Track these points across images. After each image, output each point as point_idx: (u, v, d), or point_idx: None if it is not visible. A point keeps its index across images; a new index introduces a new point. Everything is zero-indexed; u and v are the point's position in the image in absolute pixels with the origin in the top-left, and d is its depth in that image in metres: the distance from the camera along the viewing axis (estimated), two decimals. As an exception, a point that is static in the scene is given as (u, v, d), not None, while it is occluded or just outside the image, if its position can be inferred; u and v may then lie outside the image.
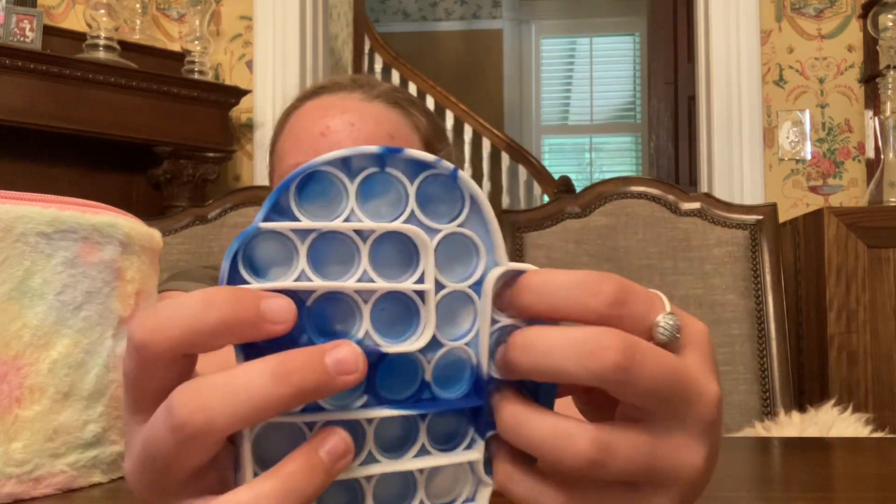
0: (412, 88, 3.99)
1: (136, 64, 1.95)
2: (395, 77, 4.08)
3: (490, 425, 0.27)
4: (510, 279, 0.27)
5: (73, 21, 2.14)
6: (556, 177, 4.01)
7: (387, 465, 0.26)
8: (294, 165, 0.72)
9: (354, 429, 0.26)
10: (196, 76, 2.06)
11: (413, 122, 0.76)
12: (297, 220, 0.25)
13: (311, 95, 0.77)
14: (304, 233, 0.25)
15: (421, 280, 0.26)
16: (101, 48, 1.91)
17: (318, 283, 0.25)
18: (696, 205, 1.16)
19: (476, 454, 0.28)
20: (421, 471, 0.27)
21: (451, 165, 0.26)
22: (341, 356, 0.23)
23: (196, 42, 2.10)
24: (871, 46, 2.06)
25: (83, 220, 0.49)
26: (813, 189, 2.14)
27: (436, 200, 0.27)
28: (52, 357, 0.47)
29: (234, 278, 0.24)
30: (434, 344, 0.26)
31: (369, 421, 0.26)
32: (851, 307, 1.57)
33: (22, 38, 1.81)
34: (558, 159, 5.31)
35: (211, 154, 2.05)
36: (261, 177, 2.20)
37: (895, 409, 1.55)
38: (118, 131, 1.88)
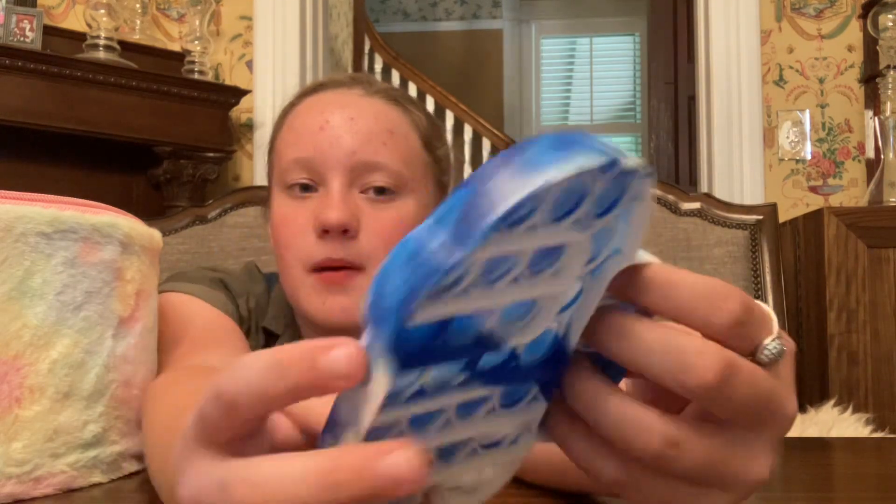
0: (412, 88, 3.99)
1: (136, 64, 1.94)
2: (395, 77, 4.08)
3: (555, 384, 0.27)
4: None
5: (73, 21, 2.13)
6: (556, 177, 4.00)
7: (460, 431, 0.26)
8: (293, 161, 0.72)
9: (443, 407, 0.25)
10: (196, 76, 2.05)
11: (412, 120, 0.76)
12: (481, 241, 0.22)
13: (310, 92, 0.77)
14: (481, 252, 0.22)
15: (557, 273, 0.24)
16: (101, 48, 1.91)
17: (476, 304, 0.23)
18: (696, 205, 1.15)
19: (537, 413, 0.27)
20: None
21: (645, 170, 0.24)
22: (398, 467, 0.21)
23: (196, 42, 2.10)
24: (871, 46, 2.06)
25: (83, 220, 0.49)
26: (813, 189, 2.14)
27: (605, 197, 0.24)
28: (52, 357, 0.47)
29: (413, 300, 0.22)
30: None
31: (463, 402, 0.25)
32: (851, 307, 1.57)
33: (22, 38, 1.81)
34: (558, 159, 5.30)
35: (211, 154, 2.05)
36: (261, 177, 2.20)
37: (895, 409, 1.54)
38: (118, 131, 1.88)
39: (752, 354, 0.26)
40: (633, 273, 0.26)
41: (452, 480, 0.27)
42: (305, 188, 0.71)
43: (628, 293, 0.26)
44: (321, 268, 0.69)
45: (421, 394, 0.24)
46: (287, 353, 0.22)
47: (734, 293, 0.25)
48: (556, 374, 0.27)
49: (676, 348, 0.24)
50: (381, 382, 0.23)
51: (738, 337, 0.25)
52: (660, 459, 0.25)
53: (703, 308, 0.25)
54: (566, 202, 0.23)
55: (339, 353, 0.21)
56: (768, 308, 0.27)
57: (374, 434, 0.24)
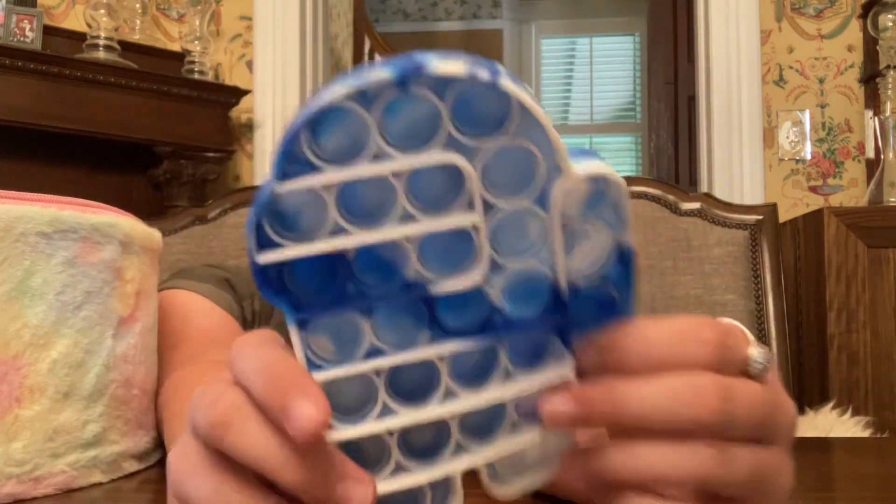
0: (412, 88, 3.99)
1: (136, 64, 1.94)
2: (395, 77, 4.07)
3: (575, 331, 0.26)
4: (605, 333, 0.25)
5: (73, 21, 2.13)
6: (556, 177, 4.01)
7: (467, 400, 0.25)
8: None
9: (427, 367, 0.25)
10: (196, 76, 2.05)
11: None
12: (315, 166, 0.22)
13: None
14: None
15: (470, 206, 0.23)
16: (101, 48, 1.91)
17: (355, 239, 0.23)
18: (696, 205, 1.15)
19: (566, 369, 0.26)
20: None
21: (486, 75, 0.22)
22: (354, 496, 0.23)
23: (196, 42, 2.10)
24: (871, 46, 2.06)
25: (83, 220, 0.49)
26: (813, 189, 2.14)
27: (477, 114, 0.23)
28: (52, 357, 0.47)
29: (264, 242, 0.23)
30: (496, 269, 0.24)
31: (441, 357, 0.25)
32: (851, 307, 1.57)
33: (22, 38, 1.81)
34: (558, 159, 5.30)
35: (211, 154, 2.05)
36: (260, 177, 2.20)
37: (895, 409, 1.54)
38: (118, 131, 1.88)
39: (743, 372, 0.27)
40: (605, 341, 0.26)
41: (500, 457, 0.26)
42: None
43: (606, 361, 0.26)
44: None
45: (379, 352, 0.24)
46: (275, 372, 0.23)
47: (704, 323, 0.26)
48: (567, 321, 0.25)
49: (672, 393, 0.25)
50: (293, 333, 0.24)
51: (725, 361, 0.26)
52: (719, 425, 0.25)
53: (684, 350, 0.25)
54: (420, 125, 0.22)
55: (304, 411, 0.22)
56: (737, 323, 0.28)
57: (342, 391, 0.24)
